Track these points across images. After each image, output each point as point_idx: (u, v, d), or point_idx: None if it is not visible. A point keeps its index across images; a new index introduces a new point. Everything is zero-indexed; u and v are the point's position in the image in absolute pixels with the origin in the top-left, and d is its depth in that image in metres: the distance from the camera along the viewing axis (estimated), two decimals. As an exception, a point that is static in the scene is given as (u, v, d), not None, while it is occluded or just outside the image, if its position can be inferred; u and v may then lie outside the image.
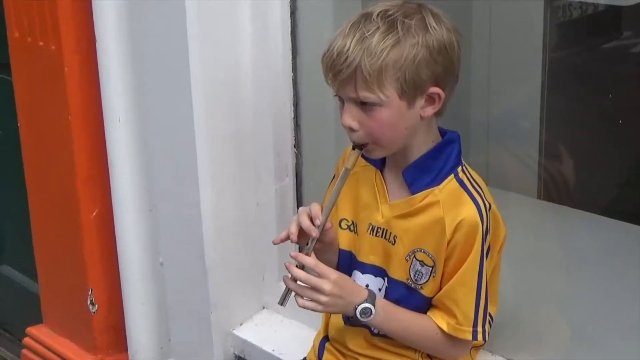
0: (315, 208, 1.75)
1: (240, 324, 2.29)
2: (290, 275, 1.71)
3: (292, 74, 2.17)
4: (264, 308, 2.36)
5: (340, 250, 1.85)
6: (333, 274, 1.71)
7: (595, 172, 2.72)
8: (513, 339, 2.02)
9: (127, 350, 2.55)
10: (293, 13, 2.13)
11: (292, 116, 2.21)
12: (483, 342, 1.82)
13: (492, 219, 1.73)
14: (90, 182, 2.42)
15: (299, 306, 1.72)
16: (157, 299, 2.44)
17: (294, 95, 2.19)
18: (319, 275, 1.70)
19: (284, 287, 1.74)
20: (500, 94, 2.83)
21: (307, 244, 1.73)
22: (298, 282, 1.71)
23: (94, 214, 2.44)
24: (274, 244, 1.79)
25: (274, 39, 2.13)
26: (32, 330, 2.77)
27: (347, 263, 1.84)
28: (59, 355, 2.66)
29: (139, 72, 2.23)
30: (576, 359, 2.02)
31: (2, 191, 2.87)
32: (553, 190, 2.79)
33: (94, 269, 2.50)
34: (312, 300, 1.70)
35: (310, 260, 1.71)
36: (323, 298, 1.69)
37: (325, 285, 1.69)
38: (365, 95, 1.64)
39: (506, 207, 2.69)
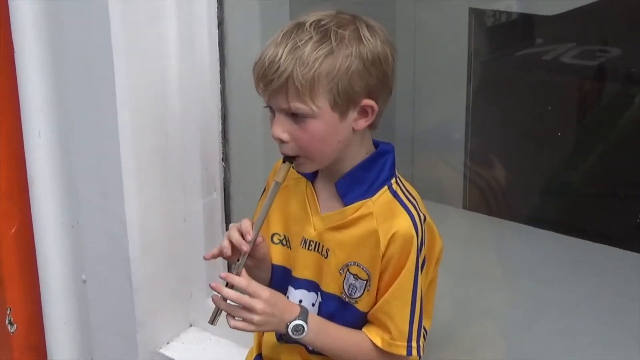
0: (246, 224, 1.70)
1: (167, 343, 2.24)
2: (220, 295, 1.66)
3: (220, 86, 2.13)
4: (191, 326, 2.31)
5: (273, 265, 1.80)
6: (265, 292, 1.66)
7: (519, 181, 2.73)
8: (446, 352, 1.99)
9: (48, 371, 2.46)
10: (220, 24, 2.09)
11: (220, 129, 2.17)
12: (418, 357, 1.80)
13: (427, 231, 1.71)
14: (8, 198, 2.33)
15: (231, 327, 1.67)
16: (79, 318, 2.37)
17: (222, 108, 2.15)
18: (250, 294, 1.65)
19: (214, 305, 1.68)
20: (425, 104, 2.83)
21: (238, 260, 1.68)
22: (229, 301, 1.66)
23: (13, 230, 2.36)
24: (205, 259, 1.73)
25: (201, 50, 2.08)
26: (-53, 350, 2.65)
27: (282, 279, 1.79)
28: (-25, 378, 2.56)
29: (60, 86, 2.16)
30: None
31: None
32: (478, 200, 2.79)
33: (12, 287, 2.41)
34: (244, 320, 1.65)
35: (242, 281, 1.65)
36: (256, 317, 1.64)
37: (258, 305, 1.64)
38: (296, 106, 1.60)
39: (432, 218, 2.69)
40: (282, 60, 1.59)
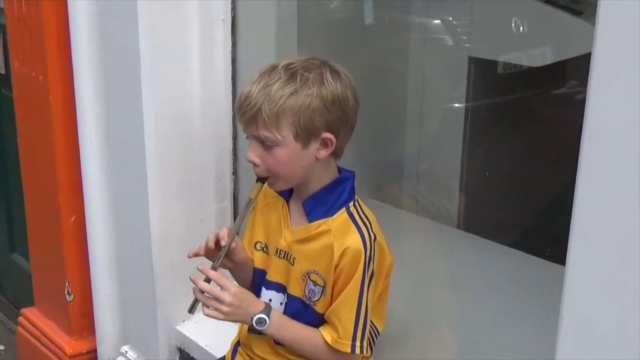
0: (223, 232, 1.64)
1: (183, 321, 2.17)
2: (198, 287, 1.60)
3: (232, 112, 2.05)
4: (204, 308, 2.24)
5: (255, 268, 1.73)
6: (233, 287, 1.60)
7: (506, 209, 2.59)
8: (402, 351, 1.89)
9: (96, 334, 2.43)
10: (234, 61, 2.02)
11: (232, 148, 2.10)
12: (370, 353, 1.69)
13: (377, 249, 1.60)
14: (69, 193, 2.30)
15: (205, 314, 1.60)
16: (119, 294, 2.32)
17: (233, 130, 2.08)
18: (221, 287, 1.59)
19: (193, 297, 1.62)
20: (429, 140, 2.71)
21: (215, 261, 1.62)
22: (205, 293, 1.60)
23: (72, 219, 2.33)
24: (189, 257, 1.67)
25: (217, 83, 2.02)
26: (25, 311, 2.65)
27: (259, 279, 1.72)
28: (43, 334, 2.55)
29: (108, 102, 2.13)
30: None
31: (17, 193, 2.71)
32: (469, 222, 2.66)
33: (70, 265, 2.38)
34: (214, 309, 1.59)
35: (215, 274, 1.60)
36: (224, 308, 1.58)
37: (226, 297, 1.58)
38: (264, 134, 1.53)
39: (427, 234, 2.57)
40: (254, 96, 1.53)
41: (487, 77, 2.57)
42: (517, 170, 2.56)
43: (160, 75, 1.94)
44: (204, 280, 1.60)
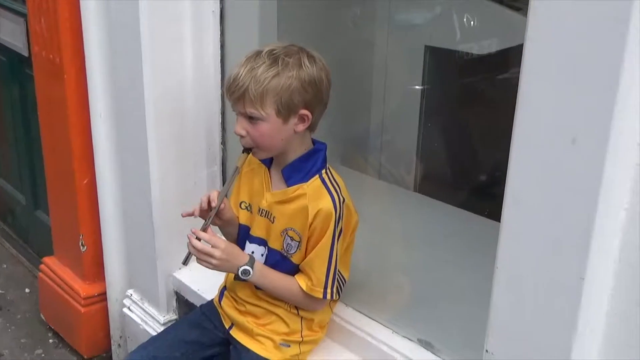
0: (214, 194, 1.60)
1: (179, 269, 2.12)
2: (191, 244, 1.57)
3: (220, 91, 1.99)
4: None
5: (240, 224, 1.69)
6: (222, 243, 1.57)
7: (454, 175, 2.57)
8: (364, 296, 1.86)
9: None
10: (222, 46, 1.95)
11: (220, 121, 2.03)
12: (338, 297, 1.67)
13: (345, 210, 1.58)
14: (82, 159, 2.23)
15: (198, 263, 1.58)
16: (125, 246, 2.27)
17: (221, 106, 2.02)
18: (212, 245, 1.55)
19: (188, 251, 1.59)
20: (391, 117, 2.68)
21: (206, 220, 1.58)
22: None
23: (85, 181, 2.27)
24: (182, 216, 1.63)
25: (208, 65, 1.95)
26: (46, 259, 2.60)
27: (244, 234, 1.69)
28: (61, 279, 2.50)
29: (114, 82, 2.05)
30: (410, 312, 1.86)
31: (39, 159, 2.64)
32: (425, 185, 2.64)
33: (84, 220, 2.32)
34: (205, 262, 1.56)
35: (205, 235, 1.56)
36: (214, 261, 1.56)
37: (216, 252, 1.55)
38: (250, 111, 1.48)
39: (388, 196, 2.54)
40: (241, 77, 1.48)
41: (440, 63, 2.53)
42: (465, 143, 2.55)
43: (159, 59, 1.87)
44: (196, 239, 1.57)
